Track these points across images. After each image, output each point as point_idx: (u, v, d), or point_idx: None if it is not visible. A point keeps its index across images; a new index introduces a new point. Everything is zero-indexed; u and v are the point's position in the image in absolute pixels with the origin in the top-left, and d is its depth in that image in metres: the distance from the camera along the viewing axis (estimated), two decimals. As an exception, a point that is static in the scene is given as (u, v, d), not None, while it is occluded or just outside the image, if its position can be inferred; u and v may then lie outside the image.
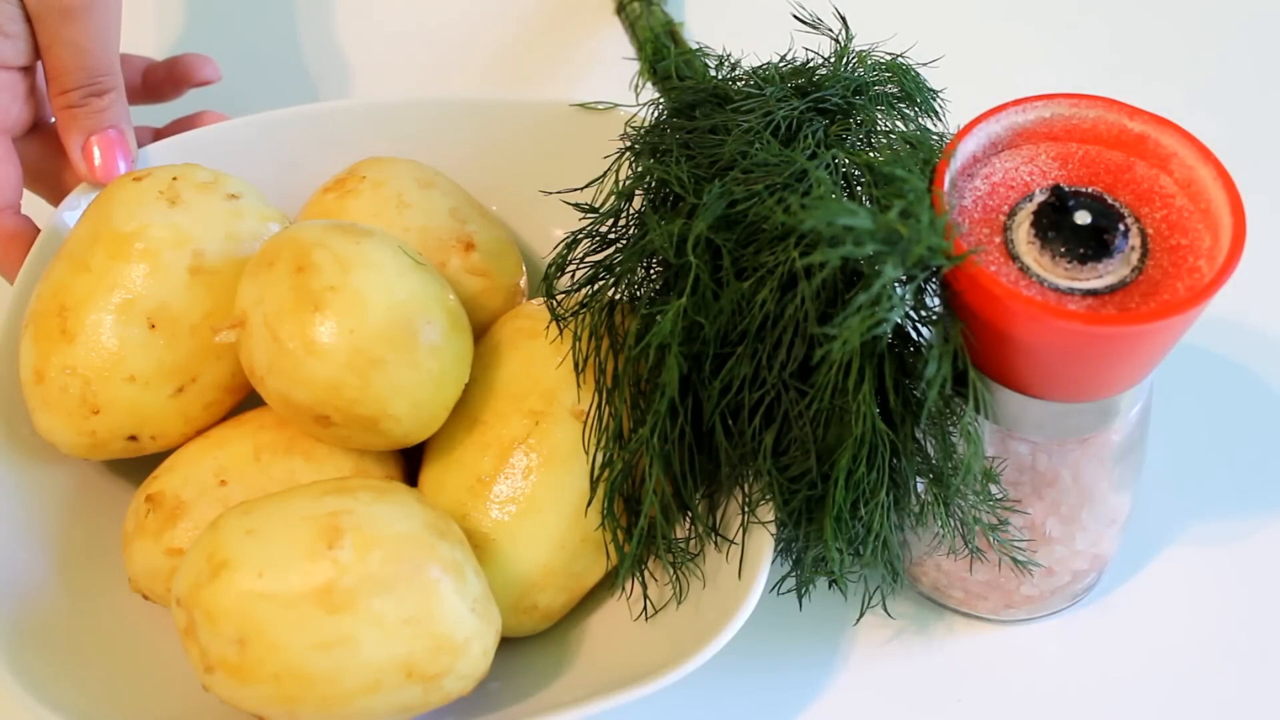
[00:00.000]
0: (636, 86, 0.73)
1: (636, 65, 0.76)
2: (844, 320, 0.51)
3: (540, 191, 0.68)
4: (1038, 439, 0.57)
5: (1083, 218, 0.52)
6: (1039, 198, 0.54)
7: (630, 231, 0.62)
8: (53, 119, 0.71)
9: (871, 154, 0.58)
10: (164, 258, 0.62)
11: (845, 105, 0.60)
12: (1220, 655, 0.65)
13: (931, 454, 0.56)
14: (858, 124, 0.59)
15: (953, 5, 0.91)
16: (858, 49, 0.61)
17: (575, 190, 0.63)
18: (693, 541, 0.61)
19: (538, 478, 0.60)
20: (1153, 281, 0.52)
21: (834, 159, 0.57)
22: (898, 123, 0.60)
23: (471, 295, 0.66)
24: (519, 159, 0.73)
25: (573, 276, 0.63)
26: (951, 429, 0.56)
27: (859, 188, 0.57)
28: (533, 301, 0.66)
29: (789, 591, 0.62)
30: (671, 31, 0.79)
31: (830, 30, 0.62)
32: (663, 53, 0.76)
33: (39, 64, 0.70)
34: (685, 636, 0.58)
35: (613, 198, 0.61)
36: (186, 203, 0.63)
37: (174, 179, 0.64)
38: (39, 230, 0.68)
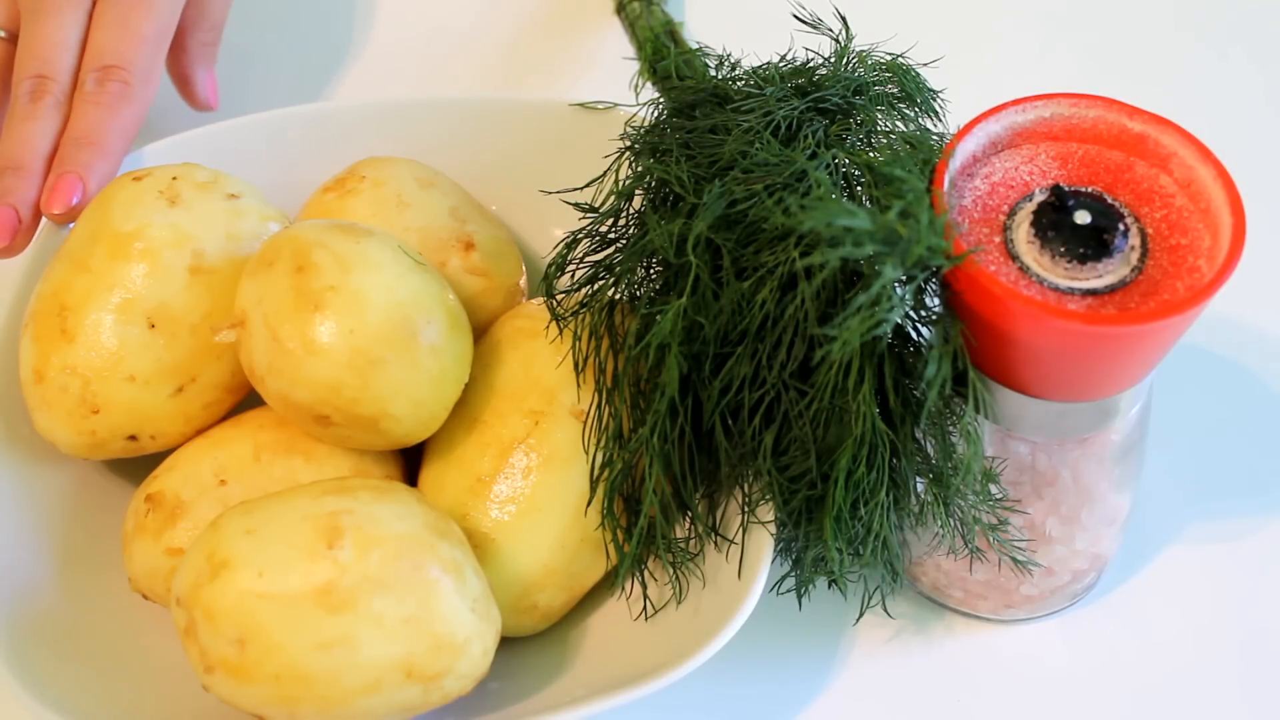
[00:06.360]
0: (636, 86, 0.73)
1: (636, 65, 0.76)
2: (844, 321, 0.51)
3: (540, 191, 0.68)
4: (1038, 439, 0.57)
5: (1082, 217, 0.52)
6: (1039, 197, 0.54)
7: (630, 231, 0.62)
8: None
9: (871, 154, 0.58)
10: (164, 257, 0.62)
11: (845, 105, 0.60)
12: (1219, 655, 0.65)
13: (931, 454, 0.56)
14: (858, 124, 0.59)
15: (953, 5, 0.91)
16: (858, 49, 0.61)
17: (575, 190, 0.63)
18: (693, 541, 0.62)
19: (538, 478, 0.60)
20: (1152, 281, 0.52)
21: (834, 159, 0.57)
22: (898, 123, 0.60)
23: (471, 295, 0.66)
24: (519, 159, 0.73)
25: (573, 276, 0.63)
26: (951, 429, 0.56)
27: (859, 188, 0.57)
28: (533, 301, 0.66)
29: (789, 591, 0.62)
30: (671, 31, 0.79)
31: (830, 30, 0.62)
32: (663, 53, 0.76)
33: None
34: (685, 636, 0.58)
35: (613, 198, 0.61)
36: (186, 202, 0.63)
37: (174, 179, 0.64)
38: None
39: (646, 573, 0.62)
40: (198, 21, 0.77)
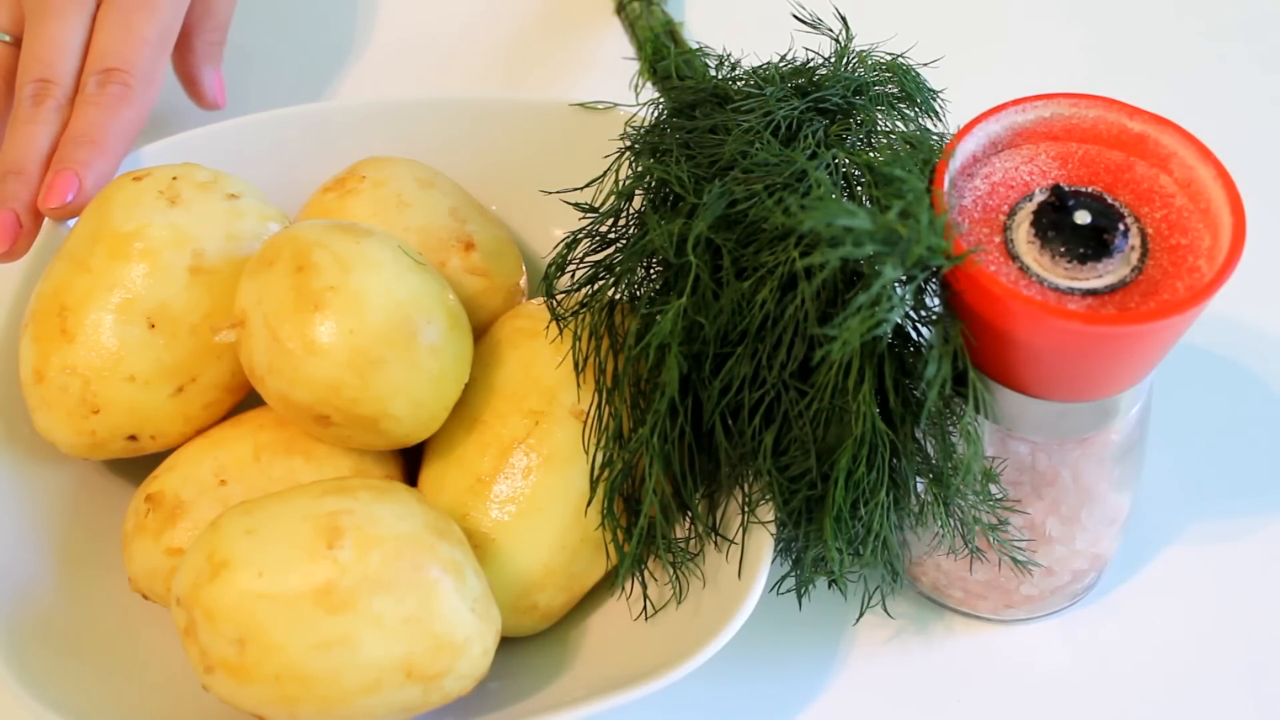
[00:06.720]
0: (636, 86, 0.73)
1: (636, 65, 0.76)
2: (844, 321, 0.51)
3: (540, 191, 0.68)
4: (1038, 439, 0.57)
5: (1082, 217, 0.52)
6: (1039, 197, 0.54)
7: (630, 231, 0.62)
8: None
9: (871, 154, 0.58)
10: (164, 257, 0.62)
11: (845, 105, 0.60)
12: (1220, 655, 0.65)
13: (931, 454, 0.56)
14: (858, 124, 0.59)
15: (953, 5, 0.91)
16: (858, 49, 0.61)
17: (575, 190, 0.63)
18: (693, 541, 0.62)
19: (538, 478, 0.60)
20: (1152, 281, 0.52)
21: (834, 159, 0.57)
22: (898, 123, 0.60)
23: (471, 295, 0.66)
24: (519, 159, 0.73)
25: (573, 276, 0.63)
26: (951, 429, 0.56)
27: (859, 188, 0.57)
28: (533, 301, 0.66)
29: (789, 591, 0.62)
30: (671, 31, 0.79)
31: (830, 30, 0.62)
32: (663, 53, 0.76)
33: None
34: (685, 636, 0.58)
35: (613, 198, 0.61)
36: (186, 202, 0.63)
37: (174, 179, 0.64)
38: None
39: (646, 573, 0.62)
40: (203, 20, 0.77)
